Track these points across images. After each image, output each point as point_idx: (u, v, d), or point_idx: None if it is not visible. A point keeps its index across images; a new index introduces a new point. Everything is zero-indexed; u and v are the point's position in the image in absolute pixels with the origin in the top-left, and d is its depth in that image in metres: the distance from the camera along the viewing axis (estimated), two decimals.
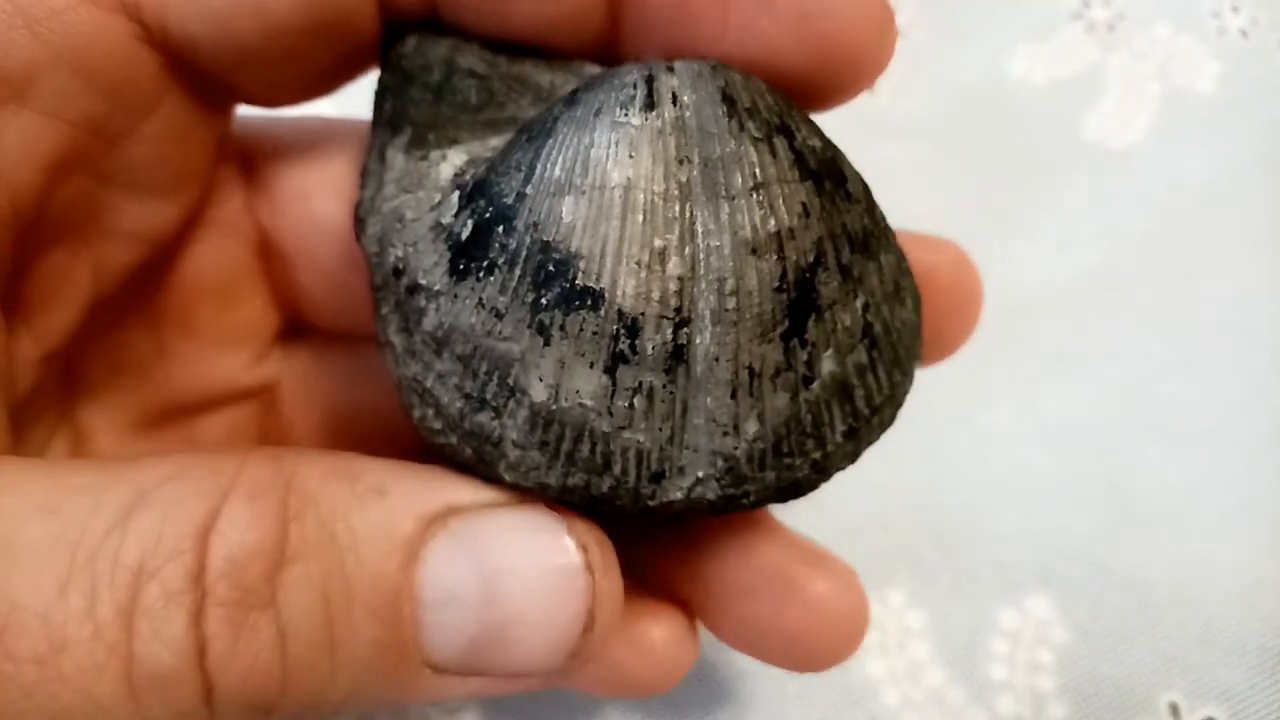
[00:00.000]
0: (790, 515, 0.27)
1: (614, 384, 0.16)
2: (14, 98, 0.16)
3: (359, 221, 0.18)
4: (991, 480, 0.28)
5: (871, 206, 0.18)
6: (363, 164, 0.19)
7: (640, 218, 0.16)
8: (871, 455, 0.28)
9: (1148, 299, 0.31)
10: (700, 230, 0.16)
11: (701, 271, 0.16)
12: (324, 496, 0.16)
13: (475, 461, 0.17)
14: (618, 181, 0.16)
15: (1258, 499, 0.27)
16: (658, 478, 0.17)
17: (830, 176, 0.17)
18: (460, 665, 0.16)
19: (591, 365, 0.16)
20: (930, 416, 0.29)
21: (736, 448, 0.17)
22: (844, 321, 0.17)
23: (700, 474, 0.17)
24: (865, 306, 0.17)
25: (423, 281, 0.17)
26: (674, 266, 0.16)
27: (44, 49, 0.16)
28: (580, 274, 0.16)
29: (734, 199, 0.16)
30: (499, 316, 0.17)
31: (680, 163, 0.16)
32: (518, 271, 0.16)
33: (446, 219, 0.17)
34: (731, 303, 0.16)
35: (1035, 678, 0.26)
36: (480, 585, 0.16)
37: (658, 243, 0.16)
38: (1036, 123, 0.34)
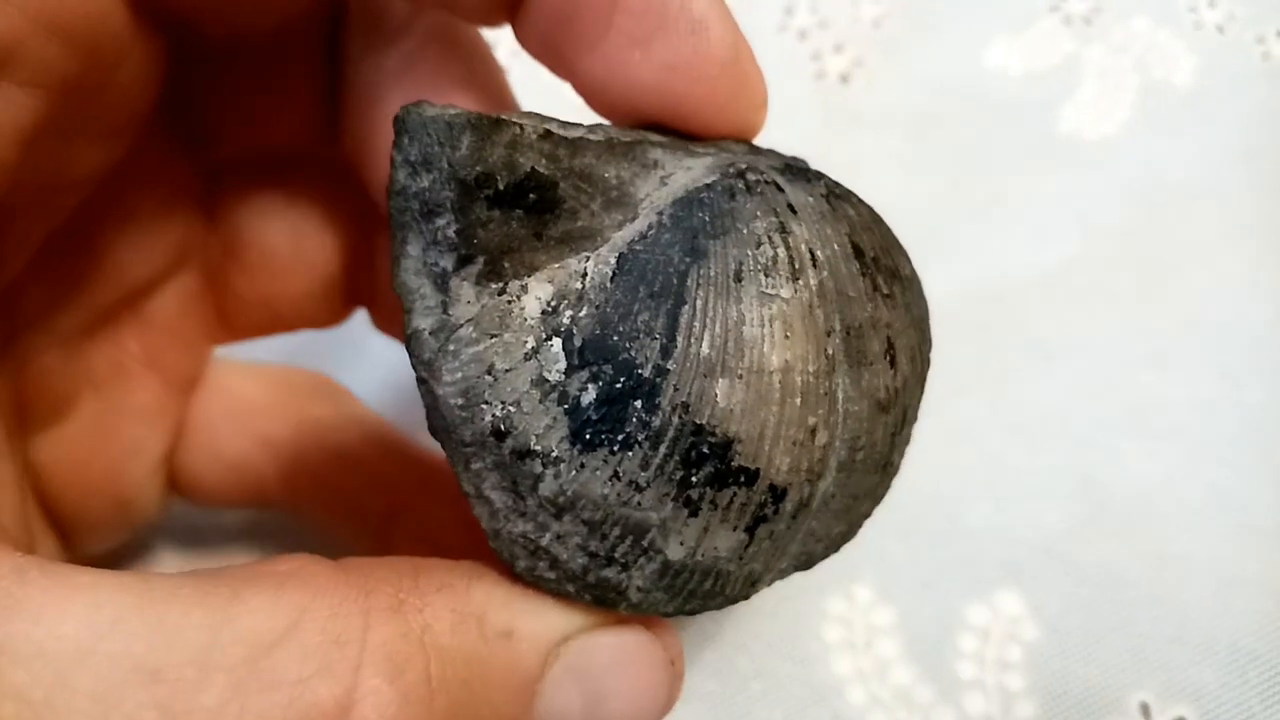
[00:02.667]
0: None
1: (751, 539, 0.17)
2: None
3: (424, 363, 0.16)
4: (962, 473, 0.28)
5: (918, 284, 0.19)
6: (398, 274, 0.16)
7: (798, 400, 0.16)
8: None
9: (1123, 292, 0.30)
10: (841, 397, 0.17)
11: (839, 433, 0.17)
12: (459, 651, 0.15)
13: (594, 604, 0.17)
14: (776, 366, 0.16)
15: (1231, 495, 0.27)
16: (754, 584, 0.18)
17: (917, 301, 0.19)
18: None
19: (734, 529, 0.17)
20: None
21: (821, 545, 0.18)
22: (909, 432, 0.19)
23: (784, 565, 0.18)
24: (919, 398, 0.19)
25: (537, 448, 0.16)
26: (821, 438, 0.16)
27: (22, 16, 0.15)
28: (738, 456, 0.16)
29: (872, 364, 0.17)
30: (639, 490, 0.16)
31: (828, 334, 0.16)
32: (663, 449, 0.16)
33: (553, 375, 0.16)
34: (860, 455, 0.17)
35: (1004, 676, 0.25)
36: (584, 705, 0.17)
37: (810, 420, 0.16)
38: (1012, 115, 0.33)
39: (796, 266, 0.16)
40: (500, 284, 0.16)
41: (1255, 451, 0.27)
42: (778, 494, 0.16)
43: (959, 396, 0.29)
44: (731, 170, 0.17)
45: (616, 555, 0.16)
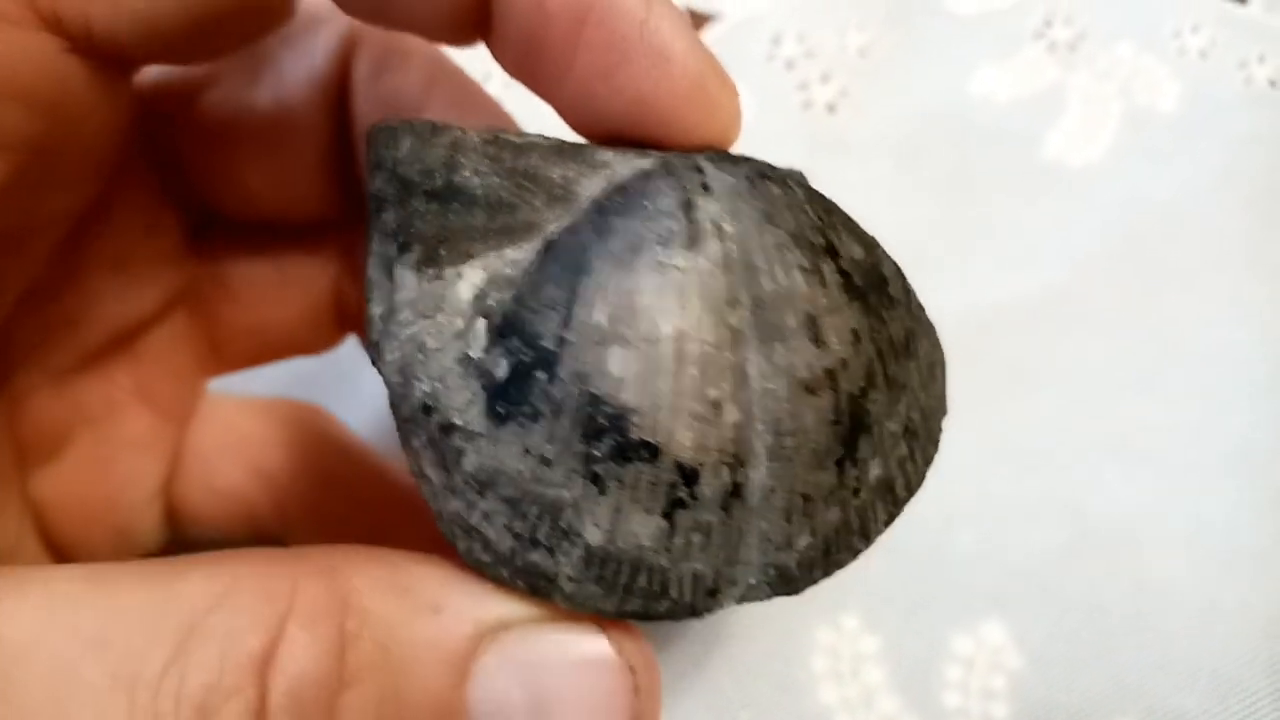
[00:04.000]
0: None
1: (672, 527, 0.16)
2: None
3: (373, 345, 0.17)
4: (947, 502, 0.28)
5: (908, 296, 0.18)
6: (366, 271, 0.18)
7: (695, 370, 0.16)
8: None
9: (1107, 319, 0.31)
10: (754, 374, 0.16)
11: (757, 414, 0.16)
12: (380, 615, 0.16)
13: (529, 592, 0.17)
14: (668, 334, 0.16)
15: (1214, 522, 0.27)
16: (713, 593, 0.17)
17: (875, 287, 0.17)
18: None
19: (648, 511, 0.16)
20: None
21: (789, 560, 0.17)
22: (890, 429, 0.17)
23: (752, 581, 0.17)
24: (908, 406, 0.18)
25: (458, 422, 0.17)
26: (730, 414, 0.16)
27: None
28: (635, 428, 0.16)
29: (787, 340, 0.16)
30: (548, 464, 0.16)
31: (731, 306, 0.16)
32: (566, 422, 0.16)
33: (476, 353, 0.17)
34: (789, 441, 0.16)
35: (989, 704, 0.26)
36: (528, 704, 0.16)
37: (712, 393, 0.16)
38: (998, 142, 0.34)
39: (697, 238, 0.16)
40: (437, 270, 0.17)
41: (1239, 478, 0.28)
42: (688, 474, 0.16)
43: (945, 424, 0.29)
44: (662, 160, 0.17)
45: (540, 537, 0.16)
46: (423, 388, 0.17)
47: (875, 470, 0.17)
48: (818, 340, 0.16)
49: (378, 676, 0.15)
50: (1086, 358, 0.30)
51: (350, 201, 0.24)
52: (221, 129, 0.21)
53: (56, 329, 0.22)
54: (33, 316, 0.21)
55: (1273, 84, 0.34)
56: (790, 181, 0.17)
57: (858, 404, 0.17)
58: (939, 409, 0.19)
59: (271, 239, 0.24)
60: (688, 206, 0.16)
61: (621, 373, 0.16)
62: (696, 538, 0.16)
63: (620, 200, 0.17)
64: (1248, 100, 0.34)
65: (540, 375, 0.16)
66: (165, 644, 0.14)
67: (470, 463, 0.17)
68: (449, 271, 0.17)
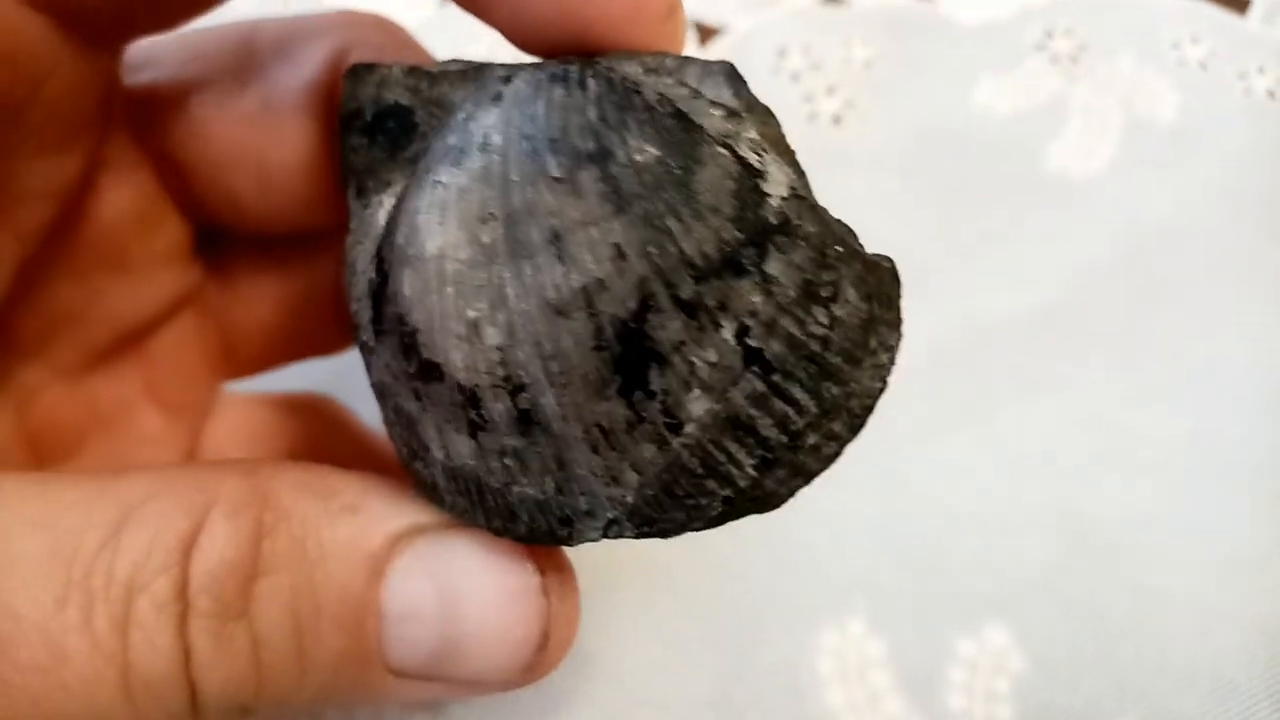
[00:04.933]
0: (747, 547, 0.28)
1: (480, 448, 0.16)
2: None
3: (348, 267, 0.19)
4: (950, 509, 0.29)
5: (748, 208, 0.15)
6: None
7: (451, 290, 0.15)
8: (830, 483, 0.29)
9: (1107, 329, 0.31)
10: (511, 295, 0.15)
11: (522, 336, 0.15)
12: (297, 512, 0.16)
13: (428, 498, 0.18)
14: (433, 252, 0.16)
15: (1211, 528, 0.28)
16: (567, 523, 0.17)
17: (666, 194, 0.15)
18: (421, 673, 0.17)
19: (458, 431, 0.16)
20: (890, 444, 0.30)
21: (626, 496, 0.16)
22: (705, 358, 0.15)
23: (610, 515, 0.16)
24: (742, 331, 0.15)
25: (364, 338, 0.18)
26: (491, 337, 0.15)
27: None
28: (424, 348, 0.16)
29: (534, 258, 0.15)
30: (395, 378, 0.17)
31: (483, 221, 0.15)
32: (393, 340, 0.17)
33: (376, 275, 0.18)
34: (554, 366, 0.15)
35: (992, 706, 0.26)
36: (439, 603, 0.17)
37: (470, 314, 0.15)
38: (1000, 154, 0.34)
39: (465, 151, 0.16)
40: (366, 199, 0.19)
41: (1236, 486, 0.28)
42: (470, 396, 0.16)
43: (948, 433, 0.30)
44: (506, 71, 0.17)
45: (416, 449, 0.17)
46: (352, 306, 0.18)
47: (701, 406, 0.15)
48: (562, 256, 0.15)
49: (293, 570, 0.16)
50: (1087, 368, 0.30)
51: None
52: (211, 138, 0.22)
53: (61, 325, 0.22)
54: (36, 310, 0.21)
55: (1271, 95, 0.35)
56: (594, 79, 0.16)
57: (631, 330, 0.15)
58: (846, 337, 0.16)
59: (277, 243, 0.25)
60: (469, 118, 0.16)
61: (409, 292, 0.16)
62: (510, 461, 0.16)
63: (449, 119, 0.17)
64: (1247, 111, 0.35)
65: (386, 292, 0.17)
66: (102, 527, 0.15)
67: (373, 376, 0.18)
68: (374, 200, 0.18)
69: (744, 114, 0.16)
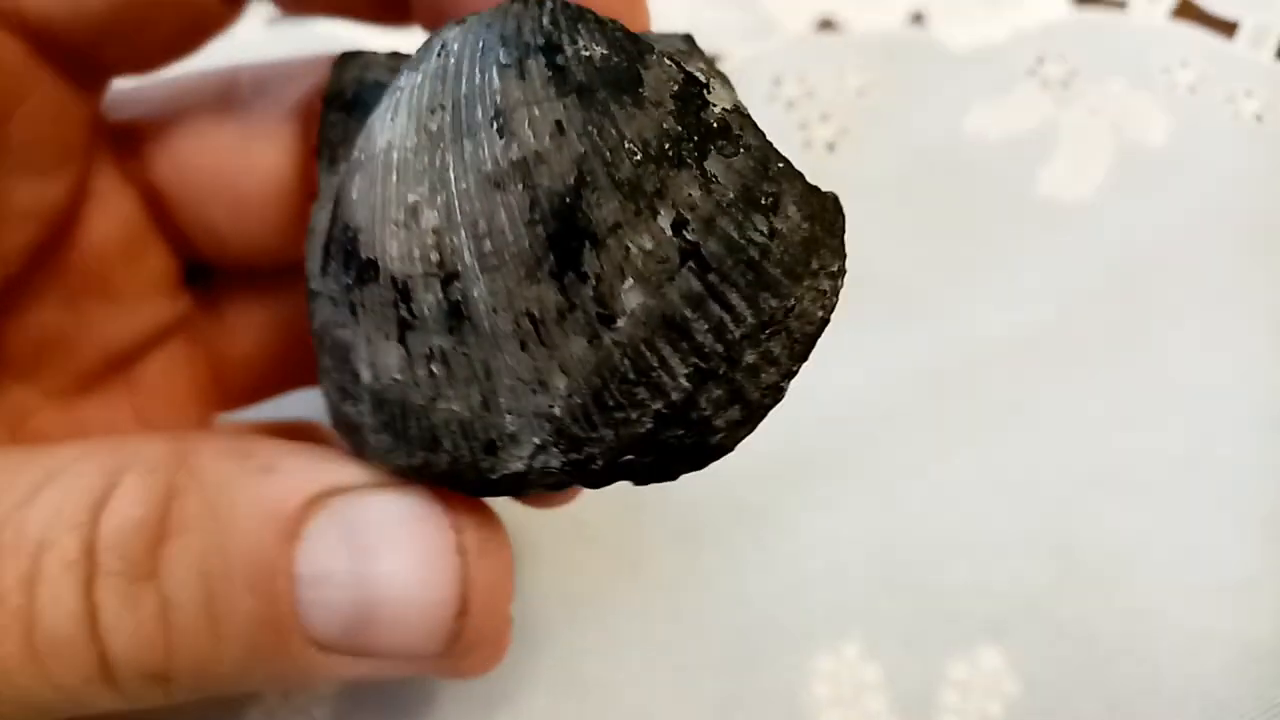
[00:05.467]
0: (743, 571, 0.28)
1: (408, 353, 0.16)
2: None
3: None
4: (944, 532, 0.29)
5: (690, 109, 0.16)
6: None
7: (394, 177, 0.16)
8: (825, 506, 0.29)
9: (1099, 353, 0.32)
10: (452, 176, 0.15)
11: (459, 219, 0.15)
12: (211, 473, 0.16)
13: (354, 452, 0.18)
14: (381, 146, 0.16)
15: (1203, 550, 0.28)
16: (491, 449, 0.16)
17: (610, 85, 0.15)
18: (342, 644, 0.16)
19: (388, 337, 0.16)
20: (884, 467, 0.30)
21: (554, 407, 0.15)
22: (641, 245, 0.15)
23: (536, 441, 0.16)
24: (680, 224, 0.15)
25: (313, 286, 0.18)
26: (428, 219, 0.15)
27: None
28: (363, 246, 0.16)
29: (476, 135, 0.15)
30: (335, 304, 0.17)
31: (433, 111, 0.16)
32: (339, 258, 0.17)
33: (325, 224, 0.18)
34: (488, 245, 0.15)
35: None
36: (351, 565, 0.16)
37: (411, 198, 0.15)
38: (991, 179, 0.35)
39: (422, 59, 0.16)
40: (334, 167, 0.19)
41: (1227, 508, 0.29)
42: (400, 288, 0.16)
43: (940, 458, 0.30)
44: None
45: (346, 386, 0.17)
46: (308, 265, 0.18)
47: (635, 298, 0.15)
48: (503, 131, 0.15)
49: (203, 530, 0.16)
50: (1078, 392, 0.31)
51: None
52: (189, 170, 0.22)
53: (50, 348, 0.23)
54: (25, 333, 0.22)
55: (1259, 118, 0.35)
56: (551, 2, 0.16)
57: (565, 205, 0.15)
58: (786, 251, 0.16)
59: (264, 276, 0.25)
60: (434, 37, 0.17)
61: (356, 194, 0.16)
62: (437, 368, 0.16)
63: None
64: (1236, 135, 0.35)
65: (336, 224, 0.17)
66: (23, 488, 0.16)
67: (315, 322, 0.18)
68: (341, 166, 0.19)
69: (697, 57, 0.18)
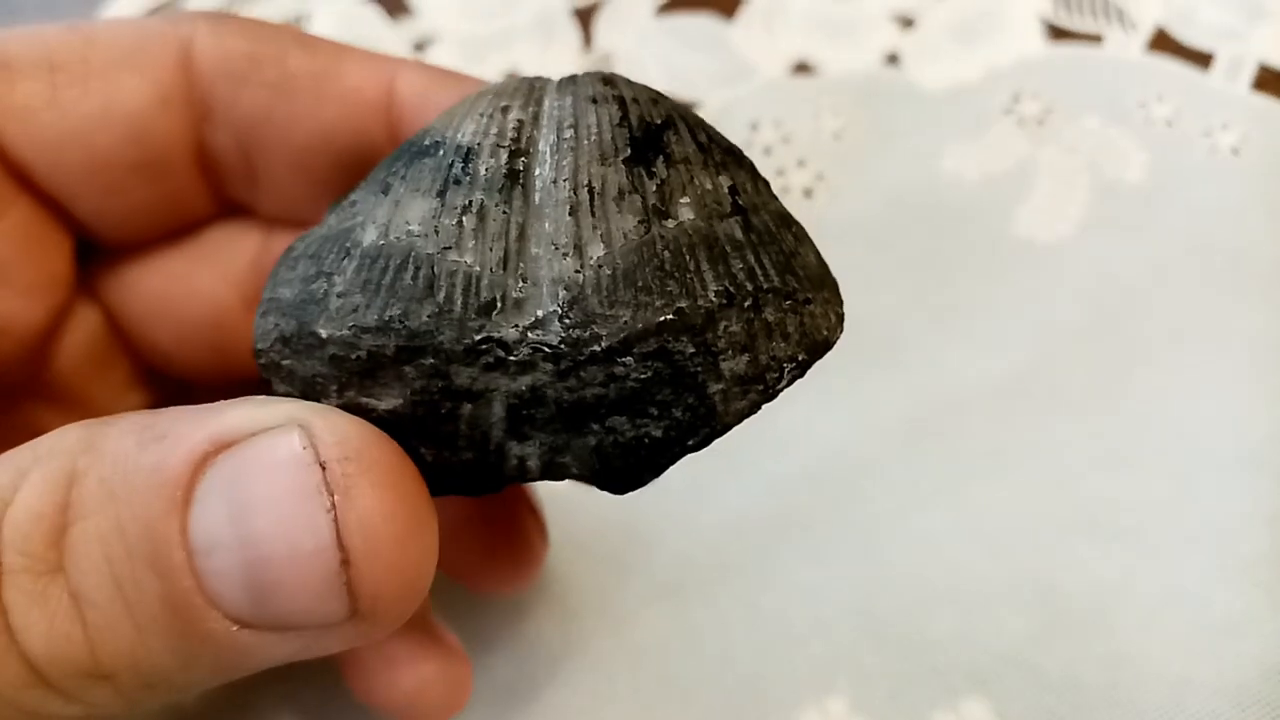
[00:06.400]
0: (728, 625, 0.28)
1: (442, 204, 0.16)
2: None
3: None
4: (927, 582, 0.29)
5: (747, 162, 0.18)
6: None
7: (491, 93, 0.17)
8: (808, 559, 0.29)
9: (1078, 395, 0.32)
10: (546, 99, 0.17)
11: (544, 121, 0.17)
12: (110, 450, 0.15)
13: (294, 337, 0.17)
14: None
15: (1185, 595, 0.28)
16: (487, 309, 0.16)
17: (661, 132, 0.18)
18: (255, 617, 0.15)
19: (424, 194, 0.17)
20: (866, 518, 0.30)
21: (579, 271, 0.16)
22: (703, 183, 0.17)
23: (540, 313, 0.15)
24: (734, 189, 0.17)
25: (297, 244, 0.19)
26: (515, 114, 0.17)
27: None
28: (429, 136, 0.17)
29: (578, 85, 0.17)
30: (353, 204, 0.18)
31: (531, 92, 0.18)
32: (384, 162, 0.18)
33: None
34: (569, 133, 0.17)
35: None
36: (233, 526, 0.15)
37: (502, 103, 0.17)
38: (968, 220, 0.35)
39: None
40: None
41: (1209, 551, 0.29)
42: (463, 153, 0.17)
43: (921, 506, 0.30)
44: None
45: (325, 268, 0.17)
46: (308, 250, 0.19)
47: (688, 213, 0.16)
48: (611, 83, 0.17)
49: (101, 510, 0.15)
50: (1058, 435, 0.31)
51: (220, 202, 0.23)
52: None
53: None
54: (11, 434, 0.22)
55: (1235, 151, 0.35)
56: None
57: (652, 128, 0.17)
58: (806, 266, 0.17)
59: (161, 249, 0.24)
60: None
61: (436, 122, 0.18)
62: (468, 220, 0.16)
63: None
64: (1212, 169, 0.35)
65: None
66: None
67: (297, 249, 0.18)
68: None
69: None
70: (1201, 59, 0.37)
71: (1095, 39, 0.38)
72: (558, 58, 0.39)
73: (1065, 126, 0.37)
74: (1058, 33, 0.39)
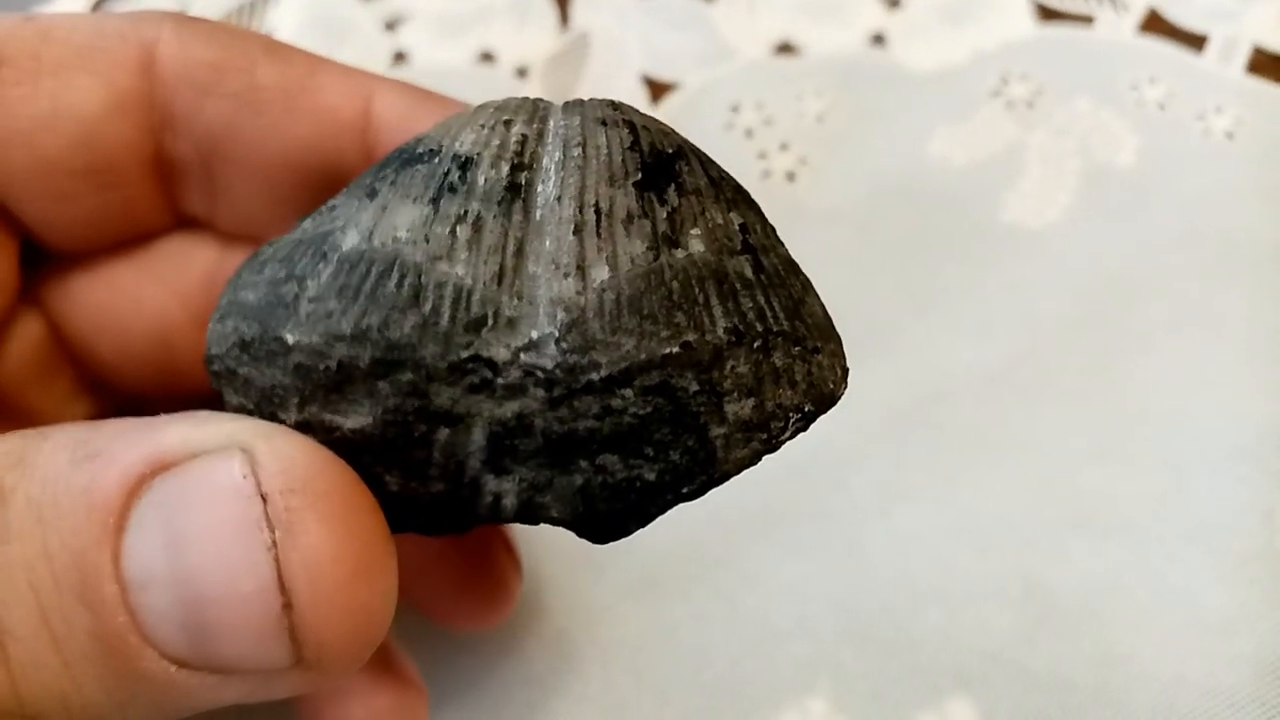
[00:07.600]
0: (708, 626, 0.27)
1: (435, 212, 0.15)
2: None
3: None
4: (912, 579, 0.28)
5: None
6: None
7: (492, 107, 0.16)
8: (791, 555, 0.28)
9: (1068, 385, 0.31)
10: (552, 118, 0.16)
11: (549, 138, 0.16)
12: (40, 469, 0.14)
13: (256, 341, 0.15)
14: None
15: (1178, 592, 0.27)
16: (477, 325, 0.14)
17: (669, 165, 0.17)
18: (193, 657, 0.14)
19: (415, 200, 0.15)
20: (850, 510, 0.29)
21: (581, 293, 0.14)
22: (714, 216, 0.16)
23: (535, 334, 0.14)
24: (745, 228, 0.16)
25: (266, 249, 0.17)
26: (519, 129, 0.16)
27: None
28: (422, 144, 0.16)
29: (585, 106, 0.16)
30: (333, 209, 0.16)
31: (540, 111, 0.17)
32: (376, 166, 0.17)
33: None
34: (576, 152, 0.15)
35: None
36: (168, 556, 0.13)
37: (504, 116, 0.16)
38: (956, 205, 0.34)
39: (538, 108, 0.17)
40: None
41: (1202, 547, 0.28)
42: (460, 161, 0.15)
43: (906, 500, 0.29)
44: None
45: (296, 271, 0.15)
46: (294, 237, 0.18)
47: (698, 245, 0.15)
48: (621, 108, 0.17)
49: (26, 538, 0.13)
50: (1047, 426, 0.30)
51: (176, 214, 0.22)
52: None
53: None
54: None
55: (1229, 135, 0.34)
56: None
57: (664, 156, 0.16)
58: (813, 315, 0.17)
59: (110, 259, 0.23)
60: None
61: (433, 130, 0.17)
62: (463, 230, 0.15)
63: None
64: (1205, 152, 0.34)
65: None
66: None
67: (263, 254, 0.17)
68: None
69: None
70: (1195, 40, 0.36)
71: (1086, 20, 0.37)
72: (533, 37, 0.38)
73: (1055, 110, 0.36)
74: (1047, 13, 0.38)
